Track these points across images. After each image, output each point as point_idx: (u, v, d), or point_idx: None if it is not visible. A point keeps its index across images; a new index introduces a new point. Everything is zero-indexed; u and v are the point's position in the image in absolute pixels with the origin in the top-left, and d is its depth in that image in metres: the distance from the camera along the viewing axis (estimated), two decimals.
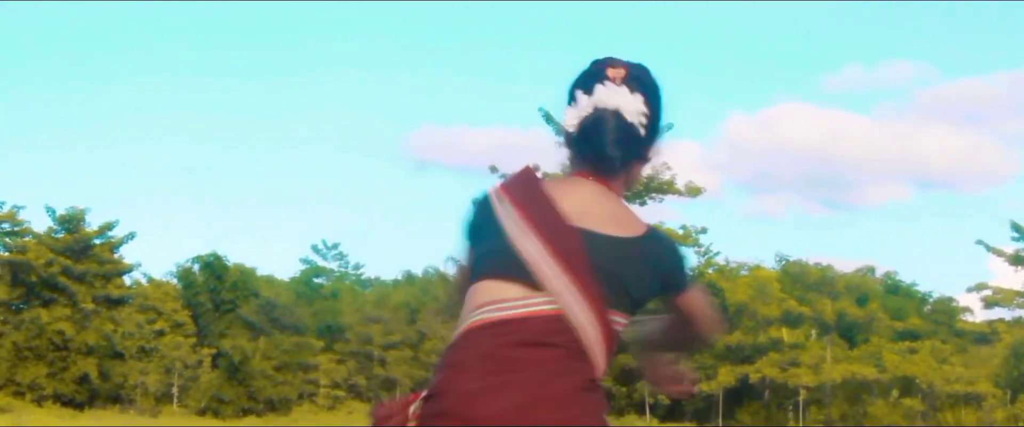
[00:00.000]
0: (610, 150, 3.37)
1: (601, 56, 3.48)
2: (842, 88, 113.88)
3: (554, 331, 3.20)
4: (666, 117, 3.50)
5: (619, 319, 3.28)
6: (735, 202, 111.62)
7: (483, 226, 3.36)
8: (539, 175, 3.47)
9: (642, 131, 3.39)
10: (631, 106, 3.37)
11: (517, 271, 3.25)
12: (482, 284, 3.29)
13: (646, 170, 3.58)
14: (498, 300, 3.25)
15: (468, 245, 3.41)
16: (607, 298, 3.25)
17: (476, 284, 3.30)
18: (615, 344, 3.28)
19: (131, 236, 68.61)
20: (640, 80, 3.42)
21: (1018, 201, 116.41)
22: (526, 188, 3.38)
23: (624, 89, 3.39)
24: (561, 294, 3.22)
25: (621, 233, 3.31)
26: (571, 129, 3.44)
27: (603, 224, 3.31)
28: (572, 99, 3.46)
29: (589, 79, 3.43)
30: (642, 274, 3.30)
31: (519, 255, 3.26)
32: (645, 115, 3.39)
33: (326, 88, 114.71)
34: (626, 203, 3.43)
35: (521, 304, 3.23)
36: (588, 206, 3.33)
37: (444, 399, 3.14)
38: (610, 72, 3.41)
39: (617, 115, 3.37)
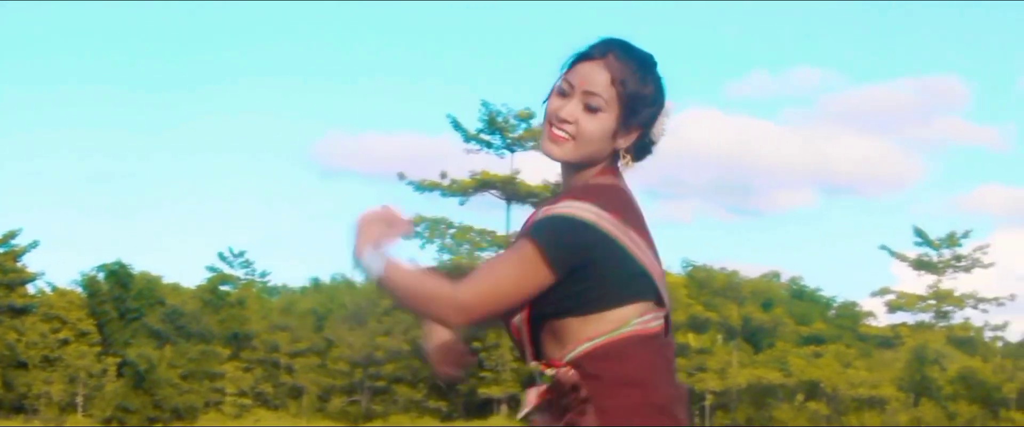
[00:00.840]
0: None
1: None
2: (748, 94, 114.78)
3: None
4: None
5: None
6: (641, 207, 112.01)
7: (604, 256, 3.50)
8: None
9: None
10: None
11: (652, 292, 3.57)
12: (637, 305, 3.54)
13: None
14: (644, 314, 3.55)
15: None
16: None
17: (630, 306, 3.52)
18: None
19: (34, 245, 68.11)
20: None
21: (921, 206, 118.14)
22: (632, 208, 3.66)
23: None
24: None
25: None
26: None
27: None
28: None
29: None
30: None
31: (652, 277, 3.58)
32: None
33: (232, 97, 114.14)
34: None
35: (655, 318, 3.59)
36: None
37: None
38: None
39: None
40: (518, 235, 3.59)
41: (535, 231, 3.44)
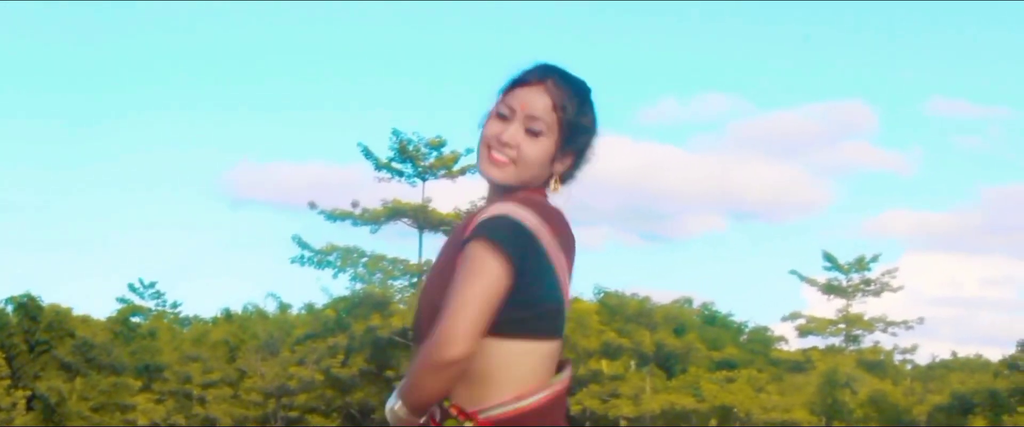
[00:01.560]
0: None
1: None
2: (657, 121, 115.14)
3: None
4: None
5: None
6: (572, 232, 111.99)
7: (537, 269, 3.48)
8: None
9: None
10: None
11: (561, 331, 3.57)
12: (553, 344, 3.56)
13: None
14: (561, 363, 3.59)
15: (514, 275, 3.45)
16: None
17: (546, 343, 3.53)
18: None
19: None
20: None
21: (829, 231, 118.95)
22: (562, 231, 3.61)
23: None
24: None
25: None
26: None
27: None
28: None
29: None
30: None
31: (565, 314, 3.60)
32: None
33: (141, 128, 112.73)
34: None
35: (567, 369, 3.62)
36: None
37: None
38: None
39: None
40: (454, 246, 3.55)
41: (484, 229, 3.42)
